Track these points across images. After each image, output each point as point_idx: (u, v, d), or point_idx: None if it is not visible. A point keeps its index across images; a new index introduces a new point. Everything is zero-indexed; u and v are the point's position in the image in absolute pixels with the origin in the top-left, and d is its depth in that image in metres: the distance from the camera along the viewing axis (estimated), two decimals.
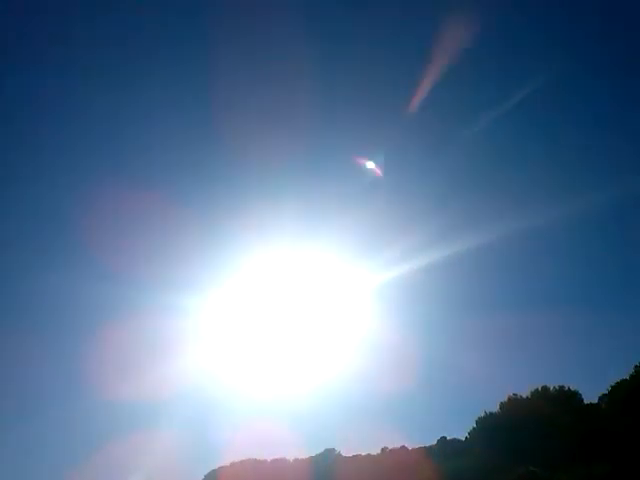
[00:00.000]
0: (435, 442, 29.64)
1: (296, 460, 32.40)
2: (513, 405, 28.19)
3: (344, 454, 32.21)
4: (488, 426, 27.20)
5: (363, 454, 31.35)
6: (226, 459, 34.04)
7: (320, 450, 32.34)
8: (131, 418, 45.31)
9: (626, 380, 27.18)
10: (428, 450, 28.76)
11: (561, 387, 29.77)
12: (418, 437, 46.81)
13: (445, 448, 27.69)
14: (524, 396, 29.73)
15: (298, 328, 49.45)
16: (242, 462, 33.25)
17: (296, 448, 37.20)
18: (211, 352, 43.11)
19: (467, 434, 28.37)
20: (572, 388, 29.29)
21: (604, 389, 28.53)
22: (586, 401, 28.83)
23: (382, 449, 31.71)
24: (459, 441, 28.43)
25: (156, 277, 44.73)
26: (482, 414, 29.05)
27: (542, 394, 29.37)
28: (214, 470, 33.42)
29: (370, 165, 37.25)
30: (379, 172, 37.89)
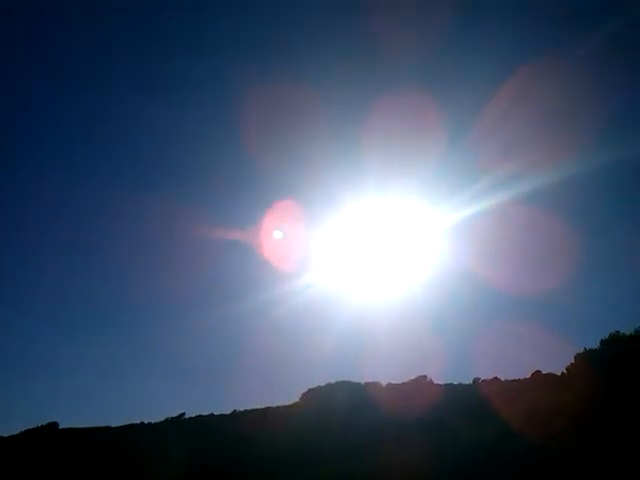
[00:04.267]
0: (529, 375, 29.57)
1: (389, 385, 33.84)
2: (616, 342, 27.19)
3: (435, 382, 33.10)
4: (588, 362, 26.61)
5: (455, 383, 32.07)
6: (322, 379, 36.44)
7: (412, 377, 33.44)
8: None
9: None
10: (522, 383, 28.83)
11: None
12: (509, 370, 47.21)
13: (540, 382, 27.58)
14: (627, 334, 28.59)
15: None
16: (337, 383, 35.22)
17: (389, 374, 39.39)
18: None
19: (564, 369, 27.94)
20: None
21: None
22: None
23: (473, 380, 32.12)
24: (555, 376, 28.13)
25: None
26: (581, 350, 28.46)
27: None
28: (311, 389, 35.76)
29: None
30: None
